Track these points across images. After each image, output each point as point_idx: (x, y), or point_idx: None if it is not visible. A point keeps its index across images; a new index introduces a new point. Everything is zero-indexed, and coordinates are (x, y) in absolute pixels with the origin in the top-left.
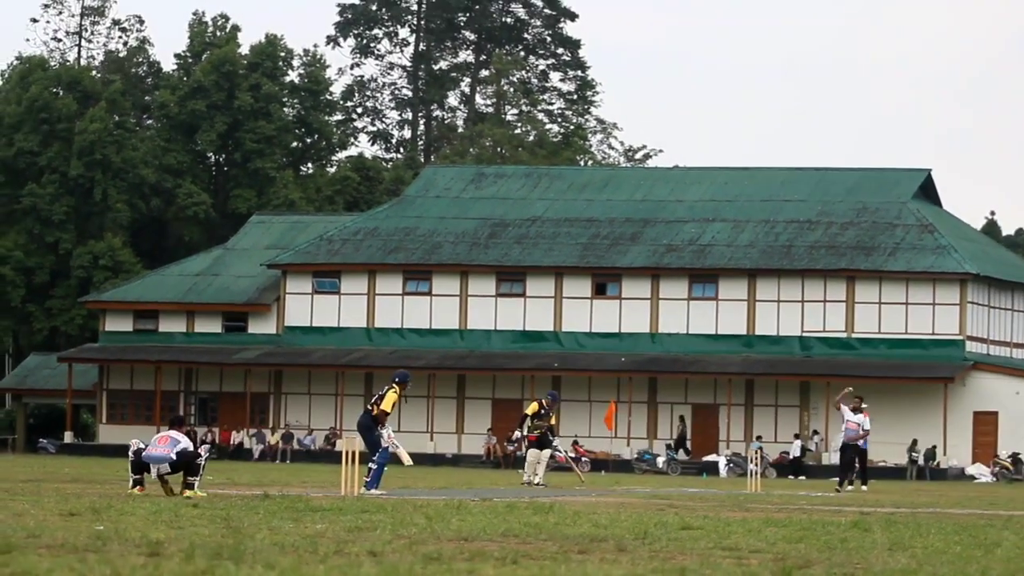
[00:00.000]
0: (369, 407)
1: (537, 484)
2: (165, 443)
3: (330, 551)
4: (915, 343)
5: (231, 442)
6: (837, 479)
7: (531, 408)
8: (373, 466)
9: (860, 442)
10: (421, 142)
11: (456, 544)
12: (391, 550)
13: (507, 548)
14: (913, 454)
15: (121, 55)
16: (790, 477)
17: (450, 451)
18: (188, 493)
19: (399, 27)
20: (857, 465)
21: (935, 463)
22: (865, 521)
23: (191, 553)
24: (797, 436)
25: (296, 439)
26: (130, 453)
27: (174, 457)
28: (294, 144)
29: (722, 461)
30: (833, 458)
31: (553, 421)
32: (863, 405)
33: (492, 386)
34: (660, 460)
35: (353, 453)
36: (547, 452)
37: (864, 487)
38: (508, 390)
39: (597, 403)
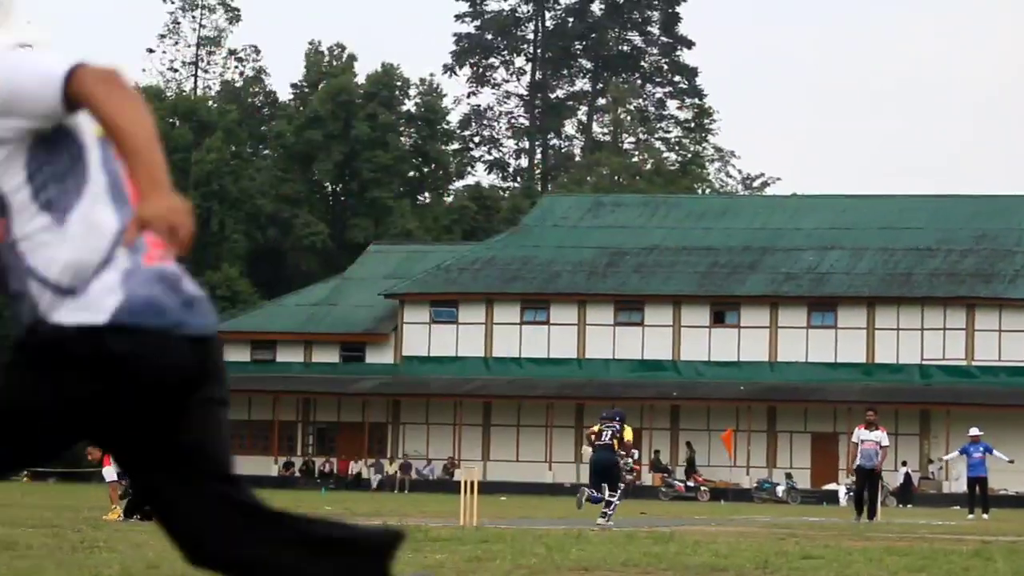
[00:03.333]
0: (609, 441)
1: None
2: None
3: None
4: None
5: (349, 472)
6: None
7: (593, 430)
8: (615, 500)
9: (982, 469)
10: (538, 171)
11: (576, 574)
12: None
13: None
14: None
15: (237, 85)
16: (899, 506)
17: (569, 480)
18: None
19: (516, 56)
20: (978, 493)
21: None
22: (987, 550)
23: None
24: (904, 464)
25: (414, 469)
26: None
27: None
28: (411, 173)
29: (842, 490)
30: (954, 487)
31: (628, 436)
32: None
33: None
34: (780, 489)
35: (472, 483)
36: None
37: (985, 515)
38: (627, 419)
39: (716, 432)
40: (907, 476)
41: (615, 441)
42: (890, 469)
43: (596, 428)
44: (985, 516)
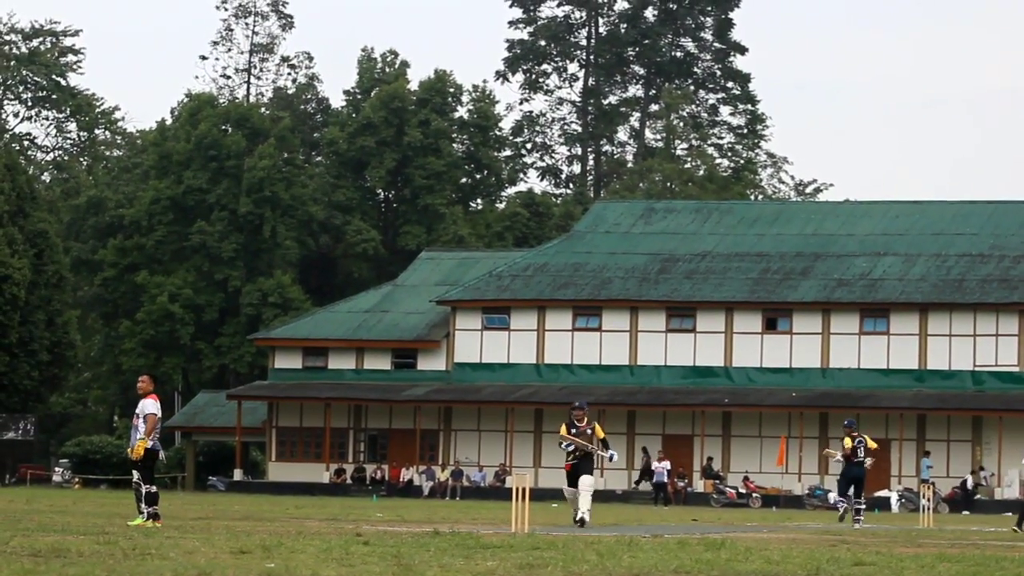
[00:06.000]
0: (864, 458)
1: (578, 520)
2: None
3: None
4: None
5: (401, 479)
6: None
7: (561, 430)
8: (863, 506)
9: None
10: (590, 177)
11: None
12: None
13: None
14: None
15: (290, 92)
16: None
17: (620, 487)
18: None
19: (568, 62)
20: None
21: None
22: None
23: None
24: (973, 472)
25: (466, 476)
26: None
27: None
28: (463, 180)
29: (894, 497)
30: (1007, 493)
31: (600, 433)
32: None
33: (662, 422)
34: (831, 495)
35: (523, 490)
36: (588, 480)
37: None
38: (678, 426)
39: (768, 439)
40: (963, 483)
41: (868, 458)
42: (942, 476)
43: (849, 444)
44: None
